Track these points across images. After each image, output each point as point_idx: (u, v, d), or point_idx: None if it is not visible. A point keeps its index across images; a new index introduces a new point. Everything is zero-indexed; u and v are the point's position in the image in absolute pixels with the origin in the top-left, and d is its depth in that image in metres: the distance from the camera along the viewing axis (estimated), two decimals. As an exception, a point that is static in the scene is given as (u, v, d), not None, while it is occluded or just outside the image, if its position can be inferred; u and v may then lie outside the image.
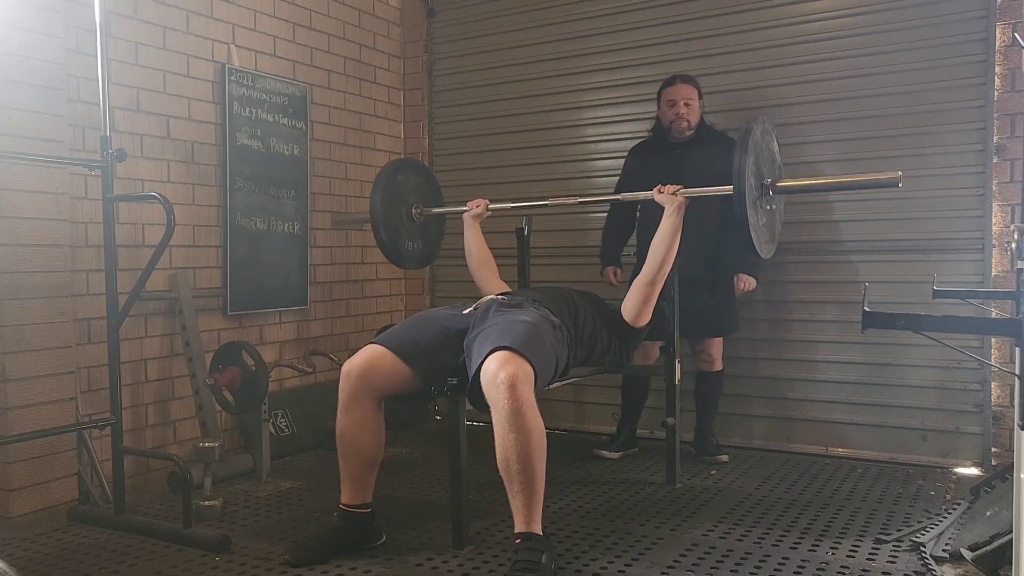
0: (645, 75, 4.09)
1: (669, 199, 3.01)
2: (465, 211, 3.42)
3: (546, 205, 3.45)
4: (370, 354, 2.60)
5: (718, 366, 3.67)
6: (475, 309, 2.72)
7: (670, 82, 3.61)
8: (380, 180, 3.44)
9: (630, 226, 3.78)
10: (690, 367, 3.75)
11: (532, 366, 2.36)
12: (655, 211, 3.28)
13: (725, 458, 3.63)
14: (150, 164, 3.34)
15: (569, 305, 2.89)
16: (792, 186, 3.04)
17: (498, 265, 3.37)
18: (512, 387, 2.27)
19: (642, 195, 3.21)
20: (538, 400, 2.35)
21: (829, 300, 3.76)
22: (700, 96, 3.59)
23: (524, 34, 4.41)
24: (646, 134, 3.84)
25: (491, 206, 3.41)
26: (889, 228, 3.63)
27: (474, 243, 3.37)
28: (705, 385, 3.71)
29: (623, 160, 3.88)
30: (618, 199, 3.41)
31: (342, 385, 2.57)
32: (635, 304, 2.99)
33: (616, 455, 3.74)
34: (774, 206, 3.05)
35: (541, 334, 2.52)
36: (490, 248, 3.38)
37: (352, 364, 2.57)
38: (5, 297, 2.77)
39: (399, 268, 4.06)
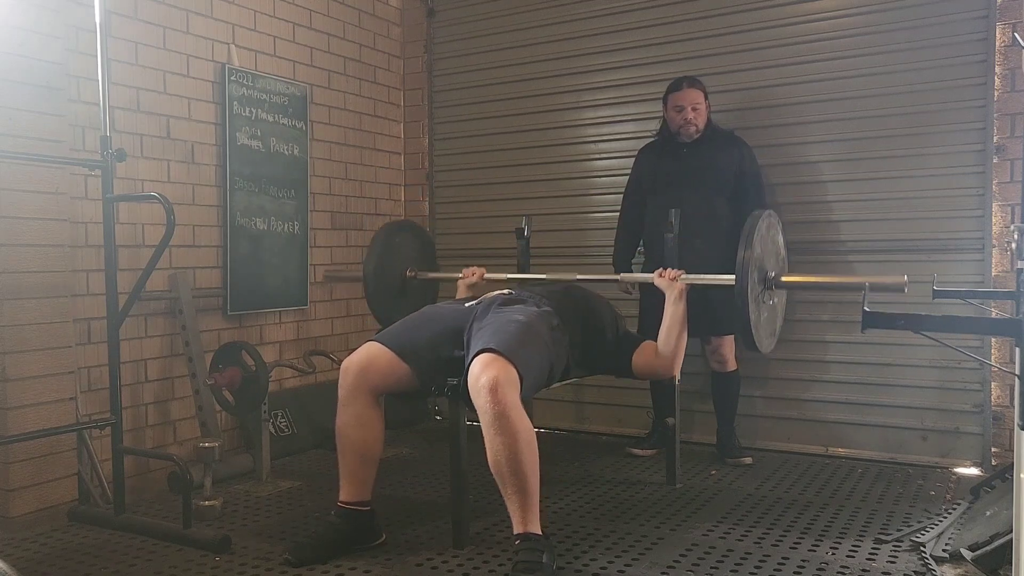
0: (645, 75, 4.09)
1: (669, 286, 2.97)
2: (459, 278, 3.36)
3: (542, 280, 3.25)
4: (368, 352, 2.61)
5: (731, 366, 3.64)
6: (477, 304, 2.72)
7: (676, 86, 3.55)
8: (375, 244, 3.43)
9: (641, 230, 3.76)
10: (704, 368, 3.76)
11: (517, 369, 2.34)
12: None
13: (749, 460, 3.60)
14: (150, 164, 3.34)
15: (577, 306, 2.88)
16: (796, 282, 2.98)
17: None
18: (492, 391, 2.26)
19: (641, 277, 3.19)
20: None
21: (829, 300, 3.75)
22: (706, 97, 3.56)
23: (524, 34, 4.41)
24: (646, 134, 3.83)
25: (487, 276, 3.33)
26: (889, 228, 3.62)
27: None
28: (720, 387, 3.68)
29: (623, 160, 3.87)
30: (616, 279, 3.35)
31: (341, 382, 2.58)
32: (647, 370, 2.98)
33: (649, 453, 3.74)
34: (775, 300, 3.00)
35: (532, 335, 2.50)
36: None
37: (350, 361, 2.59)
38: (5, 297, 2.77)
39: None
